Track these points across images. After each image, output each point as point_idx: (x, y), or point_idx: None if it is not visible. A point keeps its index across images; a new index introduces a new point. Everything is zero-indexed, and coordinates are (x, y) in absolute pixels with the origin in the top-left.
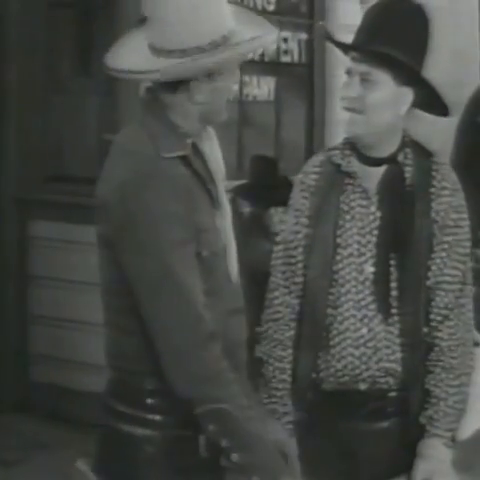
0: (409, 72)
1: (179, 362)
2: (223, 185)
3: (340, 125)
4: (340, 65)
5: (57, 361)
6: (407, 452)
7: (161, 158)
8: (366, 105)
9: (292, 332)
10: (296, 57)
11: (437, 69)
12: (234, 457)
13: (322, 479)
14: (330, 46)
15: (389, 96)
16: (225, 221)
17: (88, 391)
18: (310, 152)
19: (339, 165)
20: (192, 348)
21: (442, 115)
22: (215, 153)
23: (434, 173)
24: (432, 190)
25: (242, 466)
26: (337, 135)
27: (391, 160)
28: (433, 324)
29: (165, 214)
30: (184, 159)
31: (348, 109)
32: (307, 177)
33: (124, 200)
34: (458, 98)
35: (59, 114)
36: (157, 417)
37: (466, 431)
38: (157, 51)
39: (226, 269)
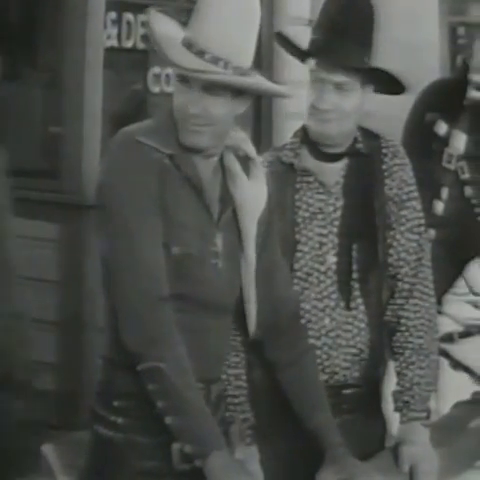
0: (391, 82)
1: (131, 319)
2: (252, 223)
3: (288, 119)
4: (288, 59)
5: None
6: (357, 448)
7: (136, 141)
8: (342, 113)
9: (245, 336)
10: None
11: (392, 63)
12: (167, 419)
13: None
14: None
15: (360, 99)
16: (243, 254)
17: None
18: (257, 147)
19: (291, 164)
20: (143, 308)
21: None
22: (245, 197)
23: (385, 150)
24: (384, 167)
25: (175, 430)
26: (284, 129)
27: (351, 153)
28: (398, 302)
29: (127, 182)
30: (171, 158)
31: (322, 120)
32: None
33: (99, 172)
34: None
35: (4, 106)
36: (120, 420)
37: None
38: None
39: (208, 284)
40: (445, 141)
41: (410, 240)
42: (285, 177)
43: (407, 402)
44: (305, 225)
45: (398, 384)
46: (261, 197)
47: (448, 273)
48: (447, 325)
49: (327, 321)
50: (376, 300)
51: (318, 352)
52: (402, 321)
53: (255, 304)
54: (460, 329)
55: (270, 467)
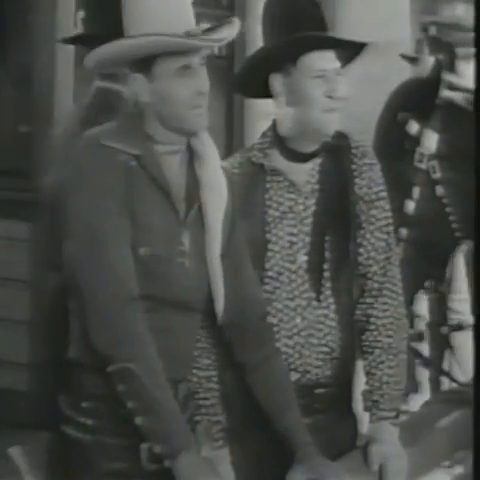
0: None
1: (100, 321)
2: (218, 213)
3: (260, 119)
4: None
5: None
6: (329, 447)
7: (100, 144)
8: (342, 101)
9: (216, 338)
10: (216, 49)
11: (363, 63)
12: (137, 420)
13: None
14: (252, 39)
15: None
16: (210, 253)
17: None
18: (229, 145)
19: (261, 164)
20: (113, 309)
21: None
22: (214, 181)
23: (354, 150)
24: (353, 166)
25: (145, 430)
26: (256, 129)
27: (322, 152)
28: (368, 301)
29: (93, 186)
30: (138, 159)
31: (333, 110)
32: None
33: (63, 171)
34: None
35: None
36: (89, 421)
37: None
38: None
39: (175, 283)
40: (417, 140)
41: (379, 239)
42: (255, 177)
43: (376, 401)
44: (275, 224)
45: (367, 383)
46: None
47: (419, 272)
48: (418, 324)
49: (299, 320)
50: (347, 299)
51: (290, 351)
52: (371, 320)
53: (223, 300)
54: None
55: (242, 468)
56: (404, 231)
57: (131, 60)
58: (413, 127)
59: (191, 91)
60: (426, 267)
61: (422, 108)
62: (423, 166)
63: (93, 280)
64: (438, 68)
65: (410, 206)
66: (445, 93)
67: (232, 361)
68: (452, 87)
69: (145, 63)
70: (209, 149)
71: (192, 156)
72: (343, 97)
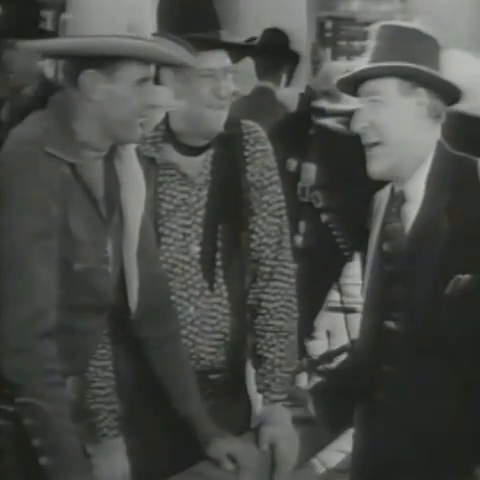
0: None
1: (12, 351)
2: (137, 213)
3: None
4: None
5: None
6: (224, 430)
7: (45, 153)
8: (230, 98)
9: (111, 328)
10: None
11: None
12: (42, 460)
13: (158, 465)
14: None
15: None
16: (127, 253)
17: None
18: None
19: (153, 158)
20: (26, 342)
21: None
22: (134, 184)
23: (246, 137)
24: (246, 153)
25: (49, 473)
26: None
27: (215, 143)
28: (260, 285)
29: (25, 201)
30: (73, 168)
31: (221, 107)
32: None
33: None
34: None
35: None
36: (11, 408)
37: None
38: None
39: (99, 290)
40: (297, 176)
41: (271, 224)
42: (147, 171)
43: (268, 385)
44: (169, 218)
45: (260, 367)
46: (141, 190)
47: (315, 299)
48: None
49: (192, 310)
50: (239, 285)
51: (184, 340)
52: (263, 304)
53: (136, 295)
54: None
55: (137, 457)
56: (295, 265)
57: (87, 56)
58: (291, 165)
59: (143, 102)
60: (320, 293)
61: (297, 143)
62: (306, 199)
63: (8, 308)
64: (308, 98)
65: (298, 241)
66: (318, 121)
67: (136, 339)
68: (325, 113)
69: (106, 62)
70: (131, 150)
71: (112, 157)
72: (230, 96)
